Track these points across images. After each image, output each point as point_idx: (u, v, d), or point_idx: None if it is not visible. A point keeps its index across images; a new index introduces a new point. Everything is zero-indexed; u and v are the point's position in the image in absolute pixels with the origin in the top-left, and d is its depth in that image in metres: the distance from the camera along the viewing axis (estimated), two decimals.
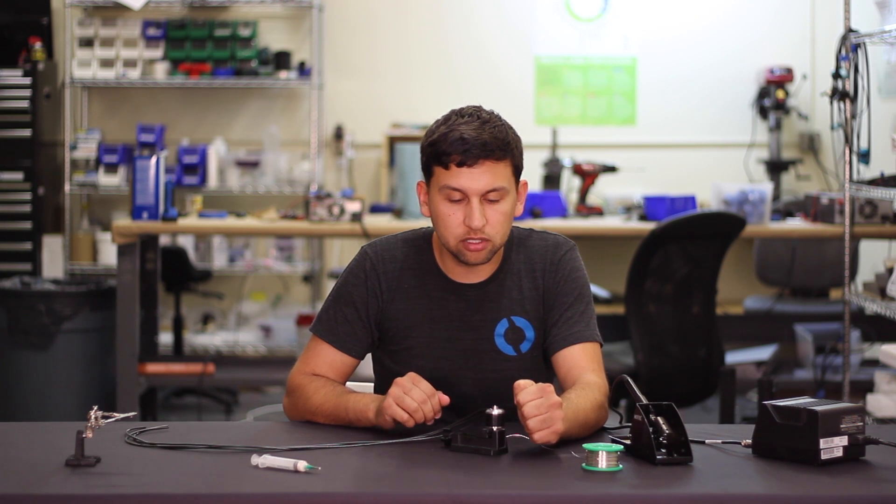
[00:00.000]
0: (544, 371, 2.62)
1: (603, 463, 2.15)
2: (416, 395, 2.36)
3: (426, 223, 2.66)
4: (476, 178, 2.47)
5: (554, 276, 2.61)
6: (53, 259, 6.76)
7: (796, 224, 5.47)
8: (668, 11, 7.29)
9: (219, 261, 6.97)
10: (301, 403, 2.57)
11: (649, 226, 5.00)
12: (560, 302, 2.59)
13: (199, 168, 6.86)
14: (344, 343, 2.61)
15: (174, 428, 2.41)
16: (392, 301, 2.60)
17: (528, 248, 2.64)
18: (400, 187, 5.79)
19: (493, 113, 2.53)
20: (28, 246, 6.65)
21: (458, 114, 2.52)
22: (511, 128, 2.53)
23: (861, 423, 2.23)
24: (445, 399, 2.37)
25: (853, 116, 4.79)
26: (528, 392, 2.26)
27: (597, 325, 2.62)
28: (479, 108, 2.53)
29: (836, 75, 4.81)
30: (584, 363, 2.55)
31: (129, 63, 6.95)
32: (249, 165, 6.97)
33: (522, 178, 2.58)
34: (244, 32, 7.00)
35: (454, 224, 2.51)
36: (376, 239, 2.68)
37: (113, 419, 2.20)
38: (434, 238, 2.63)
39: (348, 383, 2.72)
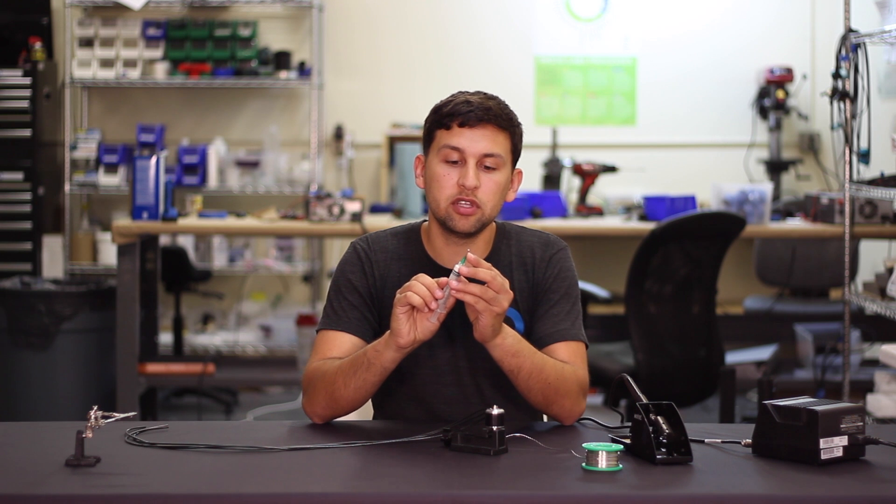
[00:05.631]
0: None
1: (603, 463, 2.15)
2: (417, 289, 2.36)
3: None
4: (476, 139, 2.53)
5: (544, 273, 2.63)
6: (53, 259, 6.76)
7: (796, 224, 5.46)
8: (668, 11, 7.29)
9: (219, 261, 6.96)
10: (319, 384, 2.49)
11: (649, 226, 4.99)
12: (547, 298, 2.61)
13: (199, 168, 6.85)
14: (356, 327, 2.59)
15: (174, 428, 2.41)
16: (384, 289, 2.61)
17: (520, 243, 2.66)
18: (400, 187, 5.79)
19: (498, 97, 2.61)
20: (28, 246, 6.65)
21: (464, 91, 2.61)
22: (515, 113, 2.61)
23: (861, 423, 2.23)
24: (443, 280, 2.36)
25: (853, 116, 4.78)
26: (491, 273, 2.34)
27: (583, 327, 2.64)
28: (485, 91, 2.62)
29: (836, 75, 4.80)
30: (566, 359, 2.55)
31: (129, 63, 6.95)
32: (249, 165, 6.97)
33: (519, 167, 2.62)
34: (244, 32, 7.00)
35: (448, 185, 2.54)
36: (365, 234, 2.71)
37: (113, 419, 2.20)
38: (423, 228, 2.66)
39: None
